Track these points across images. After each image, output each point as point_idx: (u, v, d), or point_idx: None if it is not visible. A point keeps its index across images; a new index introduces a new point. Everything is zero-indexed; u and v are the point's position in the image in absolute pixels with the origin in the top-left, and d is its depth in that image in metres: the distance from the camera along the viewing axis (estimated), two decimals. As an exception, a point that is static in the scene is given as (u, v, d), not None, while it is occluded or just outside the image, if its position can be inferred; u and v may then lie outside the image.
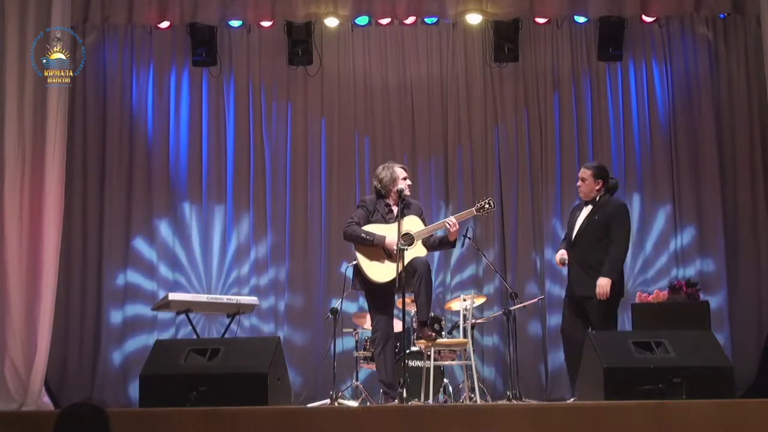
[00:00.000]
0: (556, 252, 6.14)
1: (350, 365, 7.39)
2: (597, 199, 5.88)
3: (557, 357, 7.87)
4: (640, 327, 7.04)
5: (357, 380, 7.12)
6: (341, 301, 6.97)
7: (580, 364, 5.27)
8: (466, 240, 7.01)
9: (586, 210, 5.92)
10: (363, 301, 6.94)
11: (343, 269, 7.28)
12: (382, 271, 5.73)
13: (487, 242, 8.04)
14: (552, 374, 7.89)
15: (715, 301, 7.67)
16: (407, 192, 5.88)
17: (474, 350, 6.64)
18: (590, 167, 5.98)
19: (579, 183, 5.97)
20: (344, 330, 7.27)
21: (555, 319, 7.95)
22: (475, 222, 7.63)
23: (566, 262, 5.93)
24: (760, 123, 8.05)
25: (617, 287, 5.70)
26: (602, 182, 5.90)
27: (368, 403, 6.66)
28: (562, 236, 7.99)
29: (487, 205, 5.91)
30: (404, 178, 5.90)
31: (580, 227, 5.88)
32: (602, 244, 5.78)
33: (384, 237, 5.72)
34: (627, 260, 7.91)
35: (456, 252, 7.89)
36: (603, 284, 5.63)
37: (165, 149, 8.13)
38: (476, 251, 7.45)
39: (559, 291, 7.97)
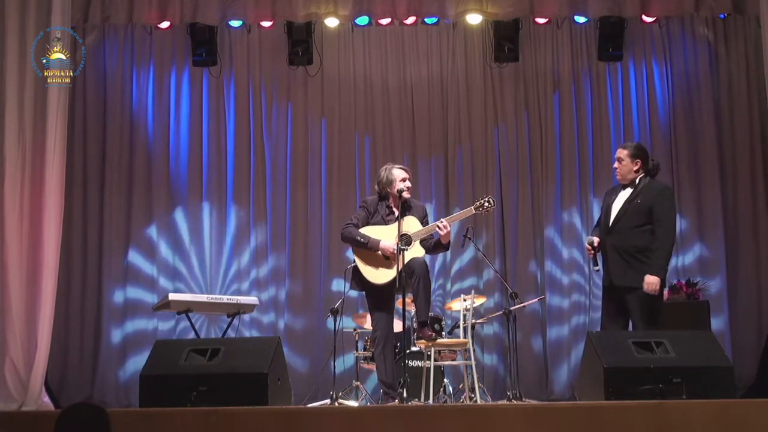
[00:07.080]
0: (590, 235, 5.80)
1: (350, 365, 7.38)
2: (637, 181, 5.53)
3: (558, 356, 7.87)
4: (641, 327, 7.02)
5: (357, 380, 7.12)
6: (341, 301, 6.96)
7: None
8: (467, 240, 7.00)
9: (625, 194, 5.56)
10: (363, 302, 6.94)
11: (343, 267, 7.28)
12: (379, 273, 5.73)
13: (488, 242, 8.03)
14: (552, 374, 7.88)
15: (715, 301, 7.66)
16: (406, 194, 5.82)
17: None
18: (627, 147, 5.64)
19: (615, 164, 5.64)
20: (344, 330, 7.28)
21: (555, 318, 7.95)
22: (475, 222, 7.62)
23: (595, 246, 5.57)
24: (760, 123, 8.05)
25: (663, 282, 5.43)
26: (640, 162, 5.53)
27: (368, 403, 6.67)
28: (565, 234, 8.07)
29: (486, 203, 5.86)
30: (402, 180, 5.84)
31: (619, 212, 5.52)
32: (643, 230, 5.43)
33: (378, 240, 5.70)
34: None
35: (456, 252, 7.88)
36: (652, 282, 5.32)
37: (165, 149, 8.13)
38: (476, 251, 7.45)
39: (559, 292, 7.97)
